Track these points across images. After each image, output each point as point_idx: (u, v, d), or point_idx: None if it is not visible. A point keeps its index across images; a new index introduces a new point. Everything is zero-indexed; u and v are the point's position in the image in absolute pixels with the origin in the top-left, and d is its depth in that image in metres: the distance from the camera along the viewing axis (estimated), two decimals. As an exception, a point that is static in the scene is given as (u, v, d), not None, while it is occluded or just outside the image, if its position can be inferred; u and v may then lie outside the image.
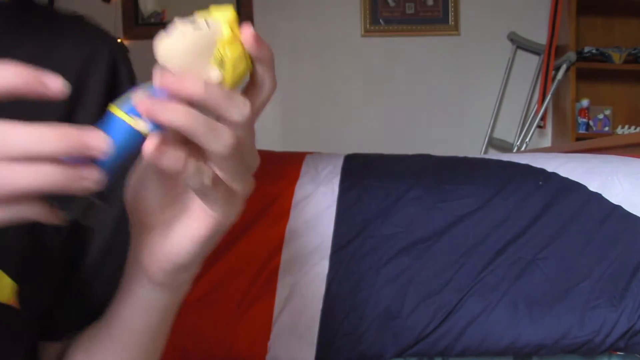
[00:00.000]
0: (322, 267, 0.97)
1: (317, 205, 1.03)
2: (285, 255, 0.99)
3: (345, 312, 0.94)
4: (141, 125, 0.30)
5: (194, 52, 0.30)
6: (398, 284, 0.96)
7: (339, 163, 1.12)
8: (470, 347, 0.93)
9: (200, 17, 0.31)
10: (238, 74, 0.32)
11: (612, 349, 0.93)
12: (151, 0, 2.94)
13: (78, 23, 0.52)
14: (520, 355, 0.96)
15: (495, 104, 2.97)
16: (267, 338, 0.94)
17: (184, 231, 0.38)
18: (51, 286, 0.48)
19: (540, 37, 2.95)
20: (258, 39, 0.32)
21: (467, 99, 3.00)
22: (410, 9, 3.01)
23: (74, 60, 0.48)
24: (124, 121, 0.30)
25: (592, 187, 1.03)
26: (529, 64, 3.00)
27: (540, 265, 0.96)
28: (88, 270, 0.50)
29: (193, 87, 0.30)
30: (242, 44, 0.32)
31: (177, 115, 0.30)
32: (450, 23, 3.00)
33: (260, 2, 2.94)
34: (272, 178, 1.07)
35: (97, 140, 0.29)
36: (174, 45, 0.30)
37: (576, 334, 0.92)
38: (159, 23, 2.92)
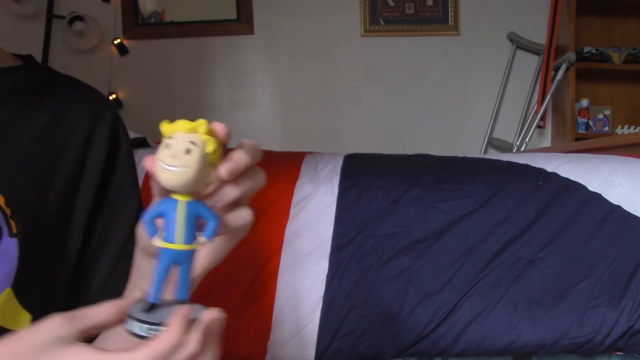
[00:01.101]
0: (322, 267, 0.97)
1: (317, 205, 1.03)
2: (285, 255, 0.99)
3: (345, 312, 0.94)
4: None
5: (198, 175, 0.39)
6: (398, 284, 0.96)
7: (339, 163, 1.12)
8: (470, 347, 0.93)
9: (181, 136, 0.39)
10: (220, 156, 0.42)
11: (611, 348, 0.93)
12: (151, 0, 2.94)
13: (79, 86, 0.64)
14: (519, 355, 0.96)
15: (495, 104, 2.96)
16: (267, 338, 0.94)
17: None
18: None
19: (540, 37, 2.95)
20: (229, 132, 0.42)
21: (467, 99, 3.00)
22: (410, 9, 3.01)
23: (84, 123, 0.60)
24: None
25: (592, 187, 1.03)
26: (528, 64, 3.00)
27: (540, 265, 0.96)
28: (94, 291, 0.59)
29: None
30: (216, 139, 0.40)
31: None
32: (449, 23, 2.99)
33: (260, 2, 2.93)
34: (272, 178, 1.07)
35: None
36: (183, 178, 0.39)
37: (576, 334, 0.92)
38: (159, 23, 2.92)
